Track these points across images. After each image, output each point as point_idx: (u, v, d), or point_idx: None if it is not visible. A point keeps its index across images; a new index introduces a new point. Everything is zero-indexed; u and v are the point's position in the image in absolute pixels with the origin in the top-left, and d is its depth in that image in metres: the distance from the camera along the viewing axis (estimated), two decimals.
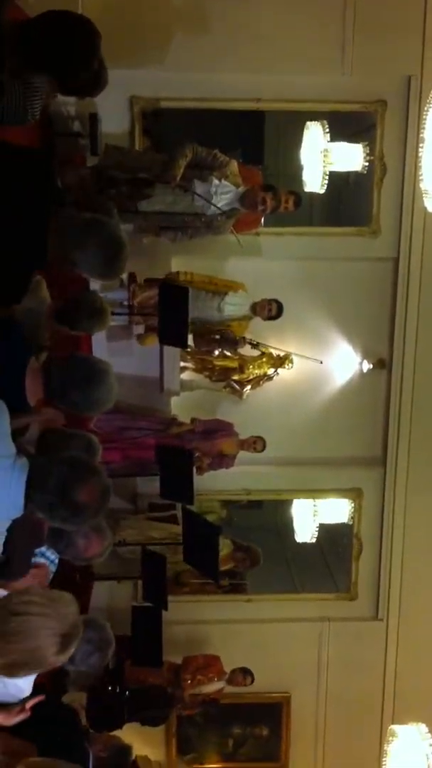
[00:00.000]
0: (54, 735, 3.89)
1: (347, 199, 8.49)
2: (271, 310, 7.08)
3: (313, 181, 7.49)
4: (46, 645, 2.43)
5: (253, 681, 7.48)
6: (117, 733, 6.48)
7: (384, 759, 7.71)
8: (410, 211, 7.54)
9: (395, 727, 7.36)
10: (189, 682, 7.28)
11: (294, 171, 7.78)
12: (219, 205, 6.24)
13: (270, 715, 8.48)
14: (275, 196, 6.38)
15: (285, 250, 7.65)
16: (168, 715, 7.30)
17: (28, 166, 3.51)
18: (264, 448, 7.41)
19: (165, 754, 8.34)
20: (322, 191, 7.52)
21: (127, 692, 6.63)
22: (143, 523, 7.73)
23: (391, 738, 7.35)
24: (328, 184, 7.47)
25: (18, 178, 3.32)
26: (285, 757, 8.56)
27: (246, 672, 7.45)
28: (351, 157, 7.57)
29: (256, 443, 7.38)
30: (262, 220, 7.29)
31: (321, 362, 7.71)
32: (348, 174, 7.87)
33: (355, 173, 7.74)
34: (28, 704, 3.01)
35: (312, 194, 7.65)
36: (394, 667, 8.36)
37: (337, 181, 7.76)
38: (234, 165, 6.28)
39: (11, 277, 3.09)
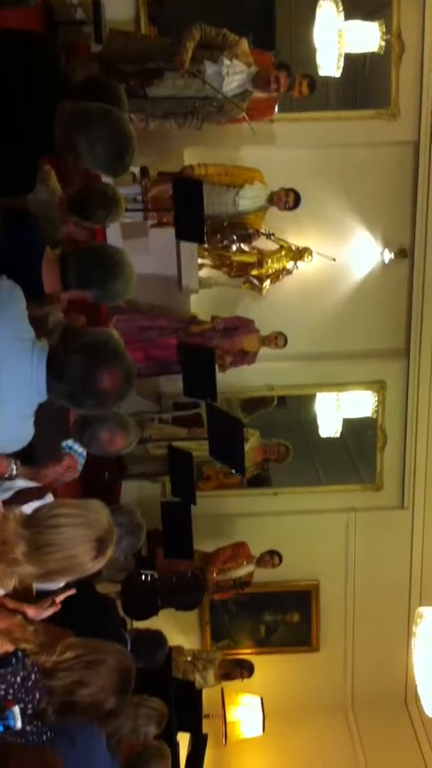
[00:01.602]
0: (91, 622, 4.00)
1: (364, 81, 8.16)
2: (288, 200, 6.91)
3: (328, 64, 7.17)
4: (82, 552, 2.46)
5: (281, 561, 7.65)
6: (153, 619, 6.72)
7: (413, 639, 7.95)
8: (431, 91, 7.24)
9: (423, 609, 7.53)
10: (215, 574, 7.48)
11: (308, 54, 7.44)
12: (232, 86, 6.03)
13: (300, 603, 8.72)
14: (289, 74, 6.13)
15: (301, 136, 7.42)
16: (201, 599, 7.50)
17: (33, 50, 3.37)
18: (285, 343, 7.38)
19: (199, 641, 8.66)
20: (337, 74, 7.20)
21: (159, 579, 6.81)
22: (168, 427, 7.83)
23: (419, 619, 7.53)
24: (344, 67, 7.15)
25: (23, 62, 3.19)
26: (316, 641, 8.85)
27: (273, 553, 7.62)
28: (367, 36, 7.22)
29: (278, 339, 7.34)
30: (276, 107, 7.03)
31: (334, 260, 7.55)
32: (364, 55, 7.53)
33: (372, 53, 7.40)
34: (58, 598, 3.06)
35: (327, 78, 7.34)
36: (421, 553, 8.52)
37: (353, 62, 7.45)
38: (244, 44, 6.03)
39: (19, 164, 3.00)
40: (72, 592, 3.07)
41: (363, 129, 7.45)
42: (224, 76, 5.98)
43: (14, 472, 3.32)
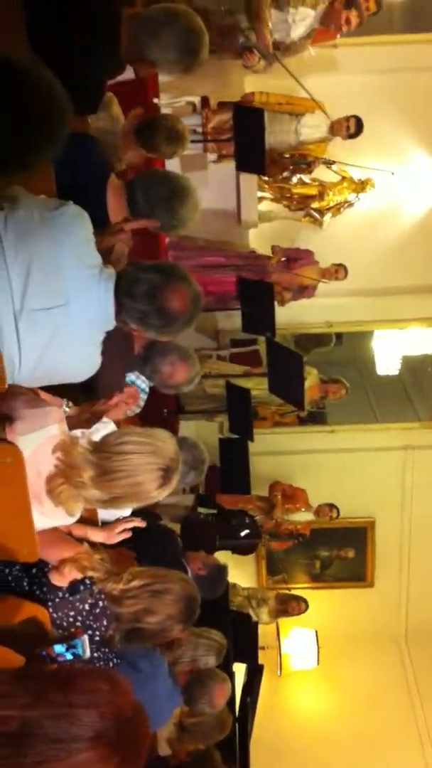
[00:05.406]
0: (153, 552, 4.04)
1: (429, 3, 7.76)
2: (349, 127, 6.63)
3: None
4: (148, 480, 2.46)
5: (338, 515, 7.69)
6: None
7: None
8: None
9: None
10: (279, 503, 7.50)
11: None
12: (299, 32, 5.87)
13: (355, 539, 8.74)
14: (359, 12, 5.83)
15: (364, 62, 7.14)
16: (257, 544, 7.53)
17: None
18: (346, 275, 7.16)
19: (255, 576, 8.76)
20: None
21: (217, 520, 6.84)
22: (225, 364, 7.81)
23: None
24: None
25: None
26: (371, 576, 8.88)
27: (332, 506, 7.64)
28: None
29: (338, 271, 7.13)
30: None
31: (393, 174, 7.26)
32: None
33: None
34: (129, 524, 3.08)
35: (392, 0, 7.03)
36: None
37: None
38: None
39: (84, 82, 2.90)
40: (143, 523, 3.09)
41: (427, 53, 7.13)
42: (291, 23, 5.76)
43: (66, 411, 3.30)
